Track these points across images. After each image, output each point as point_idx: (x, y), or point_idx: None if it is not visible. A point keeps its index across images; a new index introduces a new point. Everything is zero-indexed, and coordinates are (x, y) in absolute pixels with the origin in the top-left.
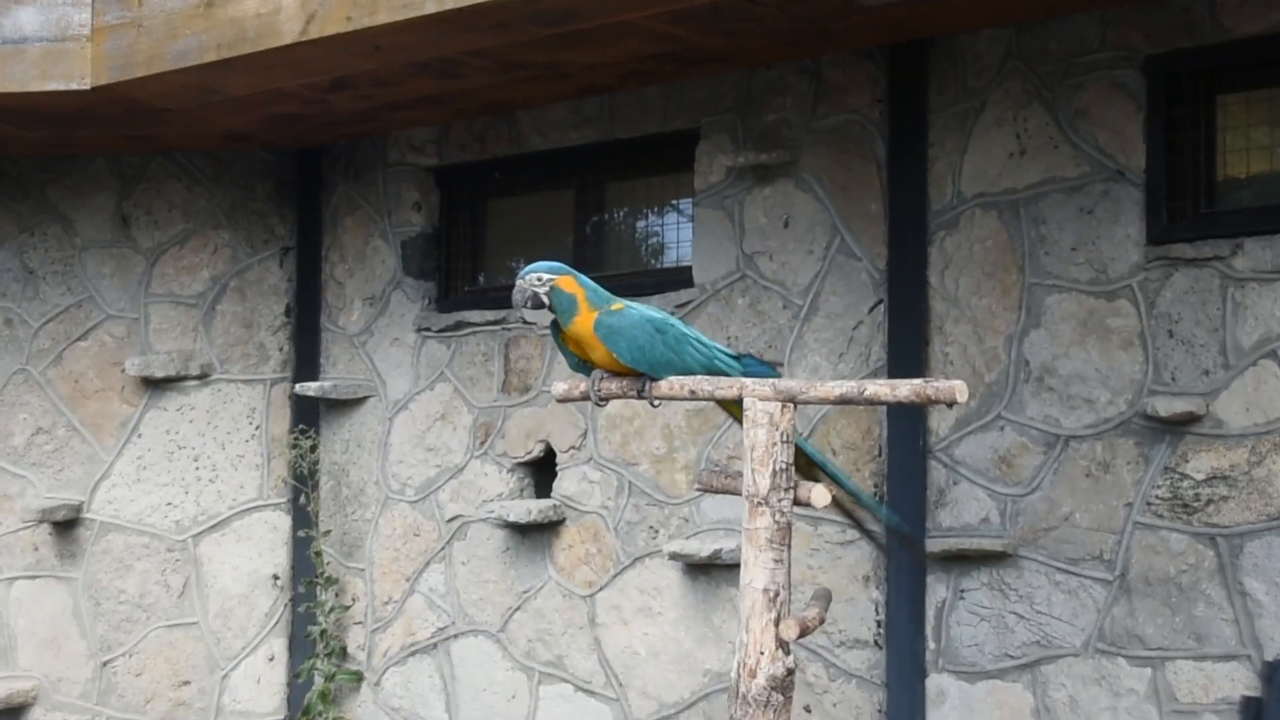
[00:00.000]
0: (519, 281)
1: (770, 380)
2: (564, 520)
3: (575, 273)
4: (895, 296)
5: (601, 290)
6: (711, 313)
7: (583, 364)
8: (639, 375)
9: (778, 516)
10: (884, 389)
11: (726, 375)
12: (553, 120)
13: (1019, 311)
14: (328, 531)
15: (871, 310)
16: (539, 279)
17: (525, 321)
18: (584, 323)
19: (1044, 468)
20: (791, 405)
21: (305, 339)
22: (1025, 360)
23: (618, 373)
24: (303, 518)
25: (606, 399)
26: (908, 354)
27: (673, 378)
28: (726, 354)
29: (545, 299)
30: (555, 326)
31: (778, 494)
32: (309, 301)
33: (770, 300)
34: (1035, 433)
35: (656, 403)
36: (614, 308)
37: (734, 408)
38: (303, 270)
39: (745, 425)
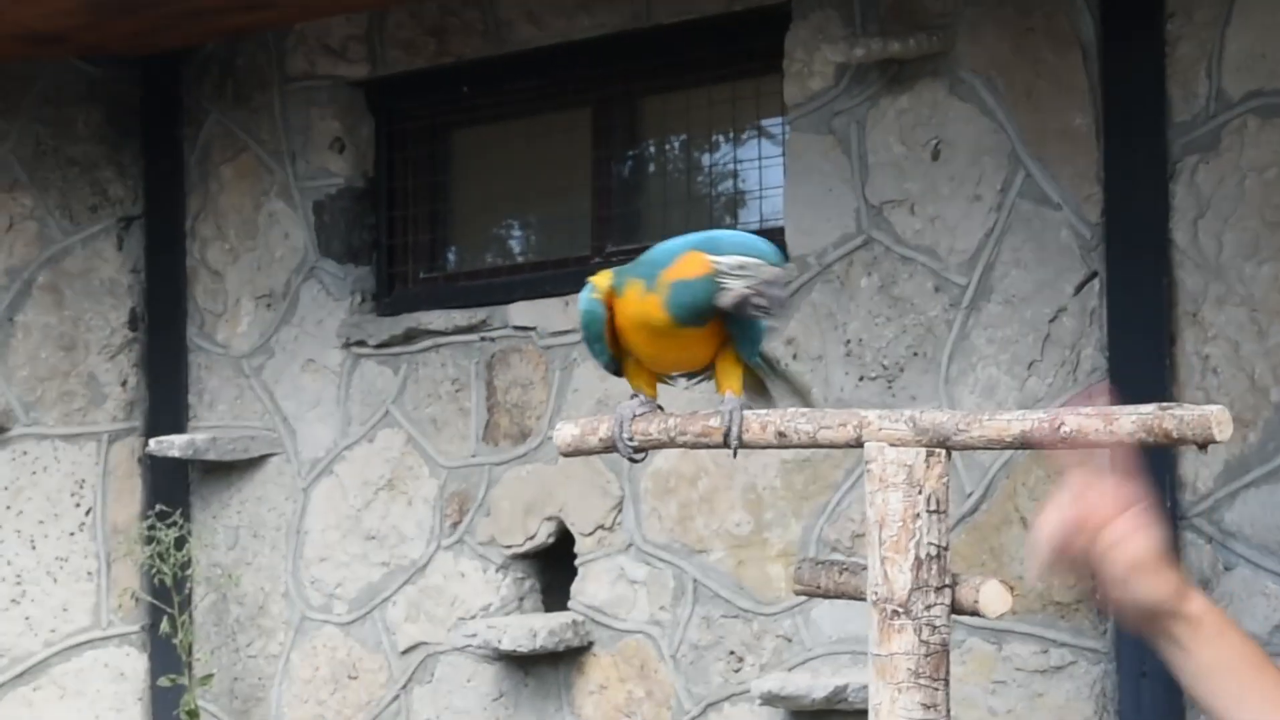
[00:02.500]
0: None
1: (907, 414)
2: (590, 646)
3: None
4: (1118, 267)
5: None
6: (819, 300)
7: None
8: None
9: (927, 634)
10: (1093, 422)
11: None
12: (552, 0)
13: None
14: (208, 677)
15: (1080, 290)
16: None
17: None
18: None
19: None
20: (943, 452)
21: (163, 365)
22: None
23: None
24: (166, 656)
25: (643, 452)
26: (1140, 359)
27: (748, 413)
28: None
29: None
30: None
31: (925, 597)
32: (167, 304)
33: (914, 278)
34: None
35: (736, 450)
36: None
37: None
38: (156, 253)
39: (869, 486)
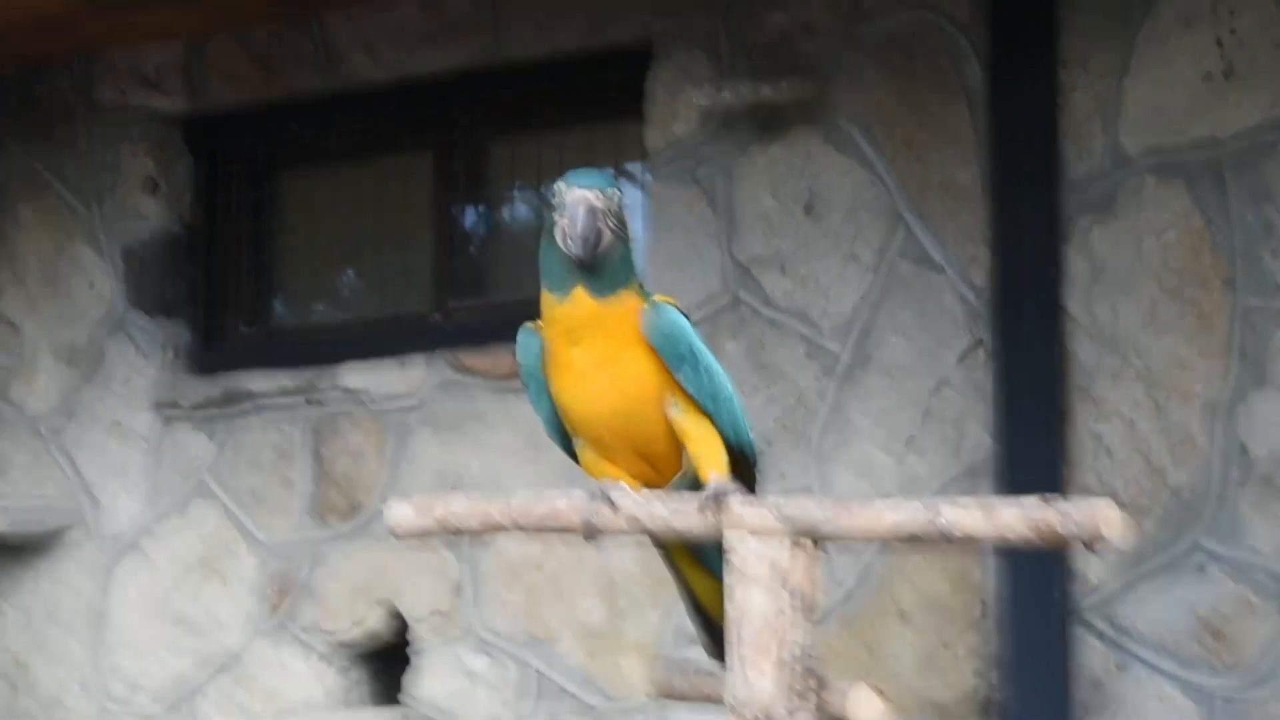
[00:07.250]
0: (575, 192)
1: (771, 500)
2: None
3: None
4: (1006, 336)
5: None
6: None
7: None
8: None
9: None
10: (970, 516)
11: None
12: (392, 30)
13: (1227, 358)
14: None
15: (964, 359)
16: (600, 195)
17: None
18: (626, 313)
19: None
20: (809, 543)
21: None
22: (1242, 446)
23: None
24: None
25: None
26: (1030, 437)
27: (629, 493)
28: None
29: (612, 228)
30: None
31: (788, 703)
32: None
33: (784, 344)
34: (1263, 577)
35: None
36: (659, 297)
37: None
38: None
39: (729, 579)
